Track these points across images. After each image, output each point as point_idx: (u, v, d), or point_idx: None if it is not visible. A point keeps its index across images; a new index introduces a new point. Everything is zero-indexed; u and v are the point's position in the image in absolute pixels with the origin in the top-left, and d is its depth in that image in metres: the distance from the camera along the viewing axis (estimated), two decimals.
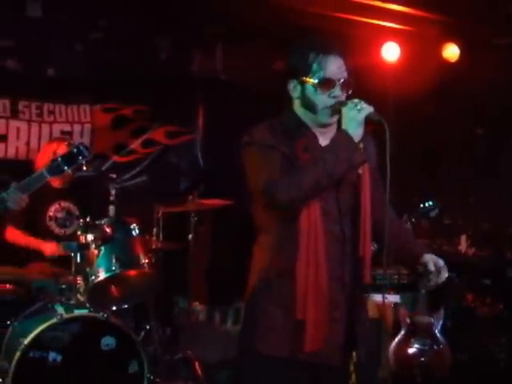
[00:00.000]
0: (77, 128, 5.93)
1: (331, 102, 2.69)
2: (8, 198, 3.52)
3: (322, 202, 2.65)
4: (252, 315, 2.76)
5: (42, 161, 4.95)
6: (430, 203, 4.77)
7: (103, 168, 5.93)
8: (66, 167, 3.62)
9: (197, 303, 6.01)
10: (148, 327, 4.94)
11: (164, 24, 6.25)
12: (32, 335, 3.90)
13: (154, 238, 5.14)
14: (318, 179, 2.57)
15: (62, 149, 4.76)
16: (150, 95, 6.22)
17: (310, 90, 2.71)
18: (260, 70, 6.61)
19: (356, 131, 2.61)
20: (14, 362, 3.84)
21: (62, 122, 5.86)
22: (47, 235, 4.98)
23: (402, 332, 4.81)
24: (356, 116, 2.61)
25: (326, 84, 2.68)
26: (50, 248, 4.82)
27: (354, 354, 2.68)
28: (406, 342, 4.76)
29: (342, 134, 2.63)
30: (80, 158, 3.65)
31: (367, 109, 2.62)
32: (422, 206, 4.77)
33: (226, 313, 6.13)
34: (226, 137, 6.41)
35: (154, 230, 5.19)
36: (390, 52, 6.55)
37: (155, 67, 6.31)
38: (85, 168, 3.77)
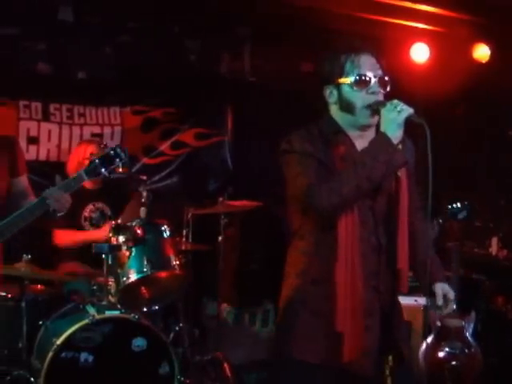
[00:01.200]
0: (107, 130, 5.96)
1: (370, 98, 2.65)
2: (49, 197, 3.40)
3: (358, 211, 2.62)
4: (287, 321, 2.75)
5: (72, 163, 5.01)
6: (458, 205, 4.72)
7: (133, 170, 5.95)
8: (103, 169, 3.58)
9: (226, 304, 6.00)
10: (177, 328, 4.93)
11: (193, 26, 6.28)
12: (64, 335, 3.93)
13: (183, 240, 5.15)
14: (358, 183, 2.54)
15: (93, 150, 4.83)
16: (179, 97, 6.24)
17: (346, 90, 2.68)
18: (288, 71, 6.61)
19: (395, 133, 2.56)
20: (46, 362, 3.88)
21: (92, 124, 5.89)
22: None
23: (433, 335, 4.78)
24: (396, 118, 2.56)
25: (362, 81, 2.65)
26: (104, 232, 4.65)
27: (389, 358, 2.66)
28: (436, 346, 4.73)
29: (381, 136, 2.58)
30: (117, 160, 3.62)
31: (407, 110, 2.57)
32: (449, 207, 4.73)
33: (254, 314, 6.12)
34: (254, 138, 6.46)
35: (184, 231, 5.20)
36: (420, 53, 6.50)
37: (184, 69, 6.33)
38: (121, 170, 3.78)
